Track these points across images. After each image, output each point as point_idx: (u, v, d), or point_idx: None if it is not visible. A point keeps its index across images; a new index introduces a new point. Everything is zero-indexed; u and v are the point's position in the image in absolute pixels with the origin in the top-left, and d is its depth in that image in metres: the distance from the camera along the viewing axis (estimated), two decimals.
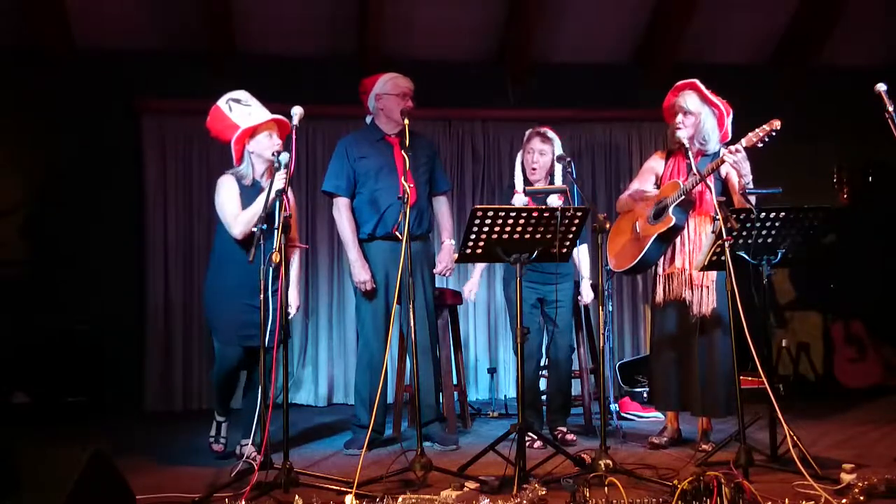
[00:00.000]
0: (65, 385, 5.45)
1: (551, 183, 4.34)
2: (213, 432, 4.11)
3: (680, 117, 3.99)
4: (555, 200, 4.16)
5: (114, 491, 2.70)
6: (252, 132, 3.86)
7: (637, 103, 6.22)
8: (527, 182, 4.38)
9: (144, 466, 3.77)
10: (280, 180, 3.58)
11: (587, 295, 4.45)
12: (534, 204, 4.20)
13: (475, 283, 4.63)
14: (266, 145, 3.85)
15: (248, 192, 3.85)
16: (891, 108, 3.52)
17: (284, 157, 3.62)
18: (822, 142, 6.48)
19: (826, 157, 6.55)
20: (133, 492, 2.81)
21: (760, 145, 3.63)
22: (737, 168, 3.73)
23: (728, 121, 4.07)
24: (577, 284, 4.44)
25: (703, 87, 4.04)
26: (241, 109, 3.87)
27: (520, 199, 4.24)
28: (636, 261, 3.94)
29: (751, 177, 3.77)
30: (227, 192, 3.86)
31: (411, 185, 3.55)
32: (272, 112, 3.93)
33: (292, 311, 3.99)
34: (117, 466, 2.75)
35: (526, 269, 4.12)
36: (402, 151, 3.68)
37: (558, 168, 4.30)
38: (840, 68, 6.54)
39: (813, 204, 3.56)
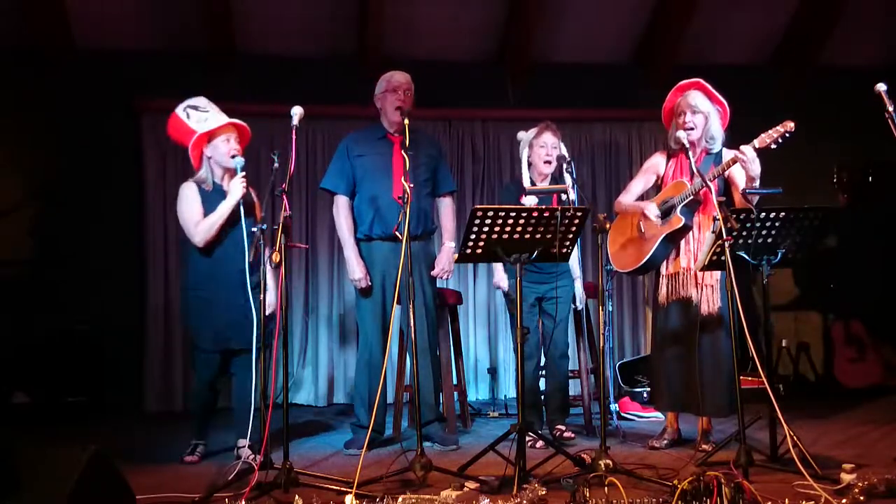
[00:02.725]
0: (65, 385, 5.46)
1: (560, 177, 4.33)
2: (189, 450, 4.01)
3: (689, 116, 3.95)
4: (572, 195, 4.14)
5: (114, 491, 2.70)
6: (208, 137, 3.91)
7: (637, 103, 6.22)
8: (532, 181, 4.36)
9: (144, 466, 3.77)
10: (238, 185, 3.78)
11: (581, 299, 4.43)
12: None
13: (502, 274, 4.45)
14: (223, 150, 3.90)
15: (210, 197, 3.90)
16: (891, 108, 3.51)
17: (239, 161, 3.83)
18: (822, 142, 6.47)
19: (826, 157, 6.55)
20: (133, 492, 2.81)
21: (774, 147, 3.61)
22: (746, 168, 3.71)
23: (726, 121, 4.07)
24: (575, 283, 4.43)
25: (709, 86, 4.03)
26: (197, 115, 3.93)
27: (531, 200, 4.22)
28: (644, 261, 3.93)
29: (759, 180, 3.75)
30: (187, 200, 3.90)
31: (410, 186, 3.54)
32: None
33: (269, 310, 4.02)
34: (117, 466, 2.75)
35: (525, 269, 4.15)
36: (402, 151, 3.68)
37: (563, 167, 4.29)
38: (840, 68, 6.54)
39: (813, 204, 3.56)
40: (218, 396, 4.07)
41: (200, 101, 3.99)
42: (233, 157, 3.87)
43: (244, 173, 3.83)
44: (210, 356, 3.93)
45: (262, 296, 3.49)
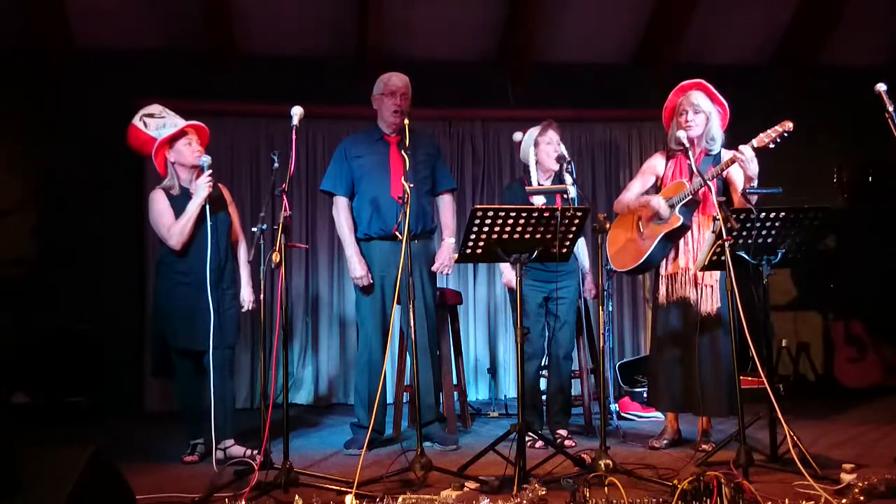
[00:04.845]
0: (65, 385, 5.46)
1: (560, 181, 4.32)
2: (188, 450, 4.03)
3: (691, 115, 3.95)
4: (572, 193, 4.14)
5: (114, 491, 2.70)
6: (169, 143, 3.93)
7: (637, 103, 6.22)
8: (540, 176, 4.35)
9: (144, 466, 3.77)
10: (204, 184, 3.83)
11: (591, 289, 4.43)
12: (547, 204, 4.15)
13: (510, 273, 4.40)
14: (186, 153, 3.94)
15: (179, 202, 3.92)
16: (891, 108, 3.51)
17: (206, 159, 3.88)
18: (822, 142, 6.48)
19: (826, 157, 6.56)
20: (133, 492, 2.81)
21: (772, 146, 3.61)
22: (744, 167, 3.71)
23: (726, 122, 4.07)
24: (581, 280, 4.41)
25: (710, 86, 4.02)
26: (155, 123, 3.98)
27: (540, 200, 4.21)
28: (641, 260, 3.93)
29: (757, 181, 3.75)
30: (157, 206, 3.93)
31: (410, 185, 3.54)
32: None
33: (246, 306, 4.08)
34: (117, 466, 2.75)
35: (531, 269, 4.15)
36: (402, 151, 3.68)
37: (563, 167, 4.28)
38: (840, 68, 6.54)
39: (813, 204, 3.56)
40: (202, 395, 4.04)
41: (155, 108, 4.02)
42: (198, 157, 3.91)
43: (210, 171, 3.87)
44: (186, 357, 3.95)
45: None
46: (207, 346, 3.80)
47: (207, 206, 3.86)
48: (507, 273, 4.44)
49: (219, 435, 3.83)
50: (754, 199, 3.78)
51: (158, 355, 4.06)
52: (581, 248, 4.46)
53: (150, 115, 3.97)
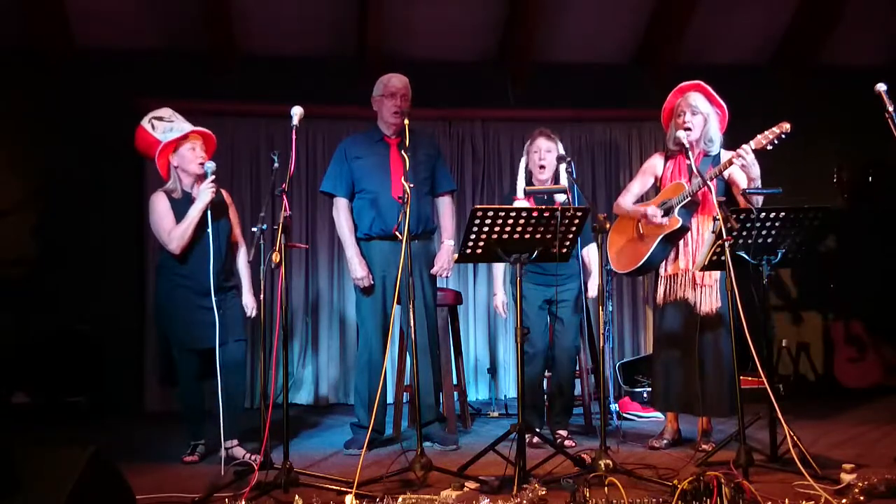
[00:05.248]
0: (65, 385, 5.46)
1: (557, 182, 4.33)
2: (188, 450, 4.02)
3: (688, 116, 3.95)
4: (562, 198, 4.15)
5: (114, 491, 2.70)
6: (174, 147, 3.93)
7: (637, 103, 6.22)
8: (530, 185, 4.36)
9: (144, 466, 3.77)
10: (207, 189, 3.81)
11: (592, 290, 4.42)
12: (534, 205, 4.19)
13: (503, 296, 4.52)
14: (189, 158, 3.93)
15: (180, 206, 3.91)
16: (891, 108, 3.51)
17: (210, 165, 3.87)
18: (822, 142, 6.48)
19: (826, 157, 6.56)
20: (133, 492, 2.81)
21: (770, 148, 3.61)
22: (746, 172, 3.71)
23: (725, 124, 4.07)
24: (584, 285, 4.40)
25: (709, 88, 4.03)
26: (163, 126, 3.98)
27: (521, 203, 4.22)
28: (642, 262, 3.93)
29: (759, 181, 3.75)
30: (158, 209, 3.93)
31: (411, 186, 3.54)
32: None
33: (248, 311, 4.06)
34: (117, 466, 2.75)
35: (531, 272, 4.15)
36: (402, 152, 3.68)
37: (562, 167, 4.29)
38: (840, 68, 6.54)
39: (813, 204, 3.56)
40: (205, 397, 4.05)
41: (165, 111, 4.03)
42: (201, 164, 3.90)
43: (213, 177, 3.86)
44: (189, 357, 3.95)
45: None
46: (213, 343, 3.79)
47: (209, 213, 3.84)
48: (500, 297, 4.49)
49: (227, 433, 3.82)
50: (758, 199, 3.77)
51: (167, 362, 4.05)
52: (593, 256, 4.44)
53: (159, 119, 3.98)
